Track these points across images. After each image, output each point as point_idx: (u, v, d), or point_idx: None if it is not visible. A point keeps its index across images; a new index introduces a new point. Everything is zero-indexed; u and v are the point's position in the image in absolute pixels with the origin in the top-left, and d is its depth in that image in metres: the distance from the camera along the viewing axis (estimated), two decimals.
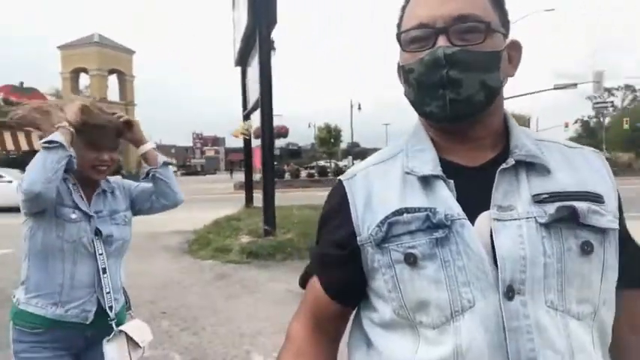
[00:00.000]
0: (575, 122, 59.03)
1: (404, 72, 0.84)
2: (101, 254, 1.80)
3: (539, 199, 0.77)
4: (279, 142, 44.48)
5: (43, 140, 1.64)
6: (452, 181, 0.80)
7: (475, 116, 0.81)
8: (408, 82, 0.84)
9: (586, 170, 0.83)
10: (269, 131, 7.77)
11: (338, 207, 0.88)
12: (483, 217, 0.77)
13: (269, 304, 5.01)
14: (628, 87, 59.46)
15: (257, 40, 7.94)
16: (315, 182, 24.71)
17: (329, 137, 43.79)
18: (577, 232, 0.76)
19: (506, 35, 0.84)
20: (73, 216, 1.76)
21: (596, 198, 0.79)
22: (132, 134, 1.93)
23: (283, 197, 13.21)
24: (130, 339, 1.81)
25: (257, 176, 12.67)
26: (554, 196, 0.77)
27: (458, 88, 0.77)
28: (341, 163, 38.43)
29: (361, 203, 0.85)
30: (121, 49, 41.28)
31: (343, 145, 50.42)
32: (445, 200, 0.79)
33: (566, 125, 47.76)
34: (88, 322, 1.77)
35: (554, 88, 29.90)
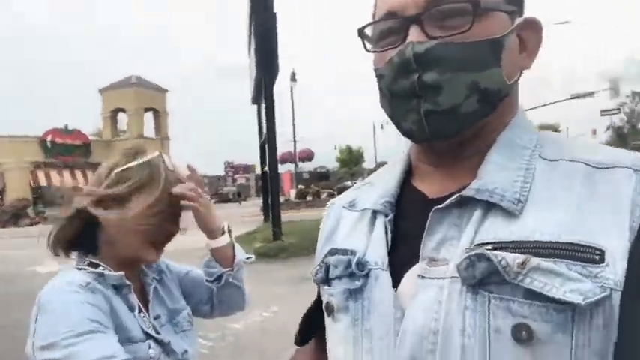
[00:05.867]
0: (607, 129, 54.23)
1: (376, 78, 0.63)
2: None
3: (477, 251, 0.51)
4: (308, 166, 46.92)
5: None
6: (390, 218, 0.63)
7: (467, 132, 0.58)
8: (381, 90, 0.63)
9: (598, 208, 0.51)
10: (272, 163, 10.26)
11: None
12: (413, 271, 0.57)
13: (268, 284, 7.16)
14: None
15: (262, 91, 10.32)
16: None
17: (349, 158, 45.74)
18: (511, 304, 0.49)
19: (515, 13, 0.59)
20: (152, 352, 1.13)
21: (585, 253, 0.48)
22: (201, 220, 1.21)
23: (302, 215, 15.47)
24: None
25: (282, 198, 14.96)
26: (502, 247, 0.50)
27: (436, 97, 0.55)
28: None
29: (325, 233, 0.73)
30: (156, 89, 44.58)
31: (369, 165, 52.38)
32: (375, 242, 0.63)
33: (594, 132, 46.13)
34: None
35: (571, 98, 30.82)
